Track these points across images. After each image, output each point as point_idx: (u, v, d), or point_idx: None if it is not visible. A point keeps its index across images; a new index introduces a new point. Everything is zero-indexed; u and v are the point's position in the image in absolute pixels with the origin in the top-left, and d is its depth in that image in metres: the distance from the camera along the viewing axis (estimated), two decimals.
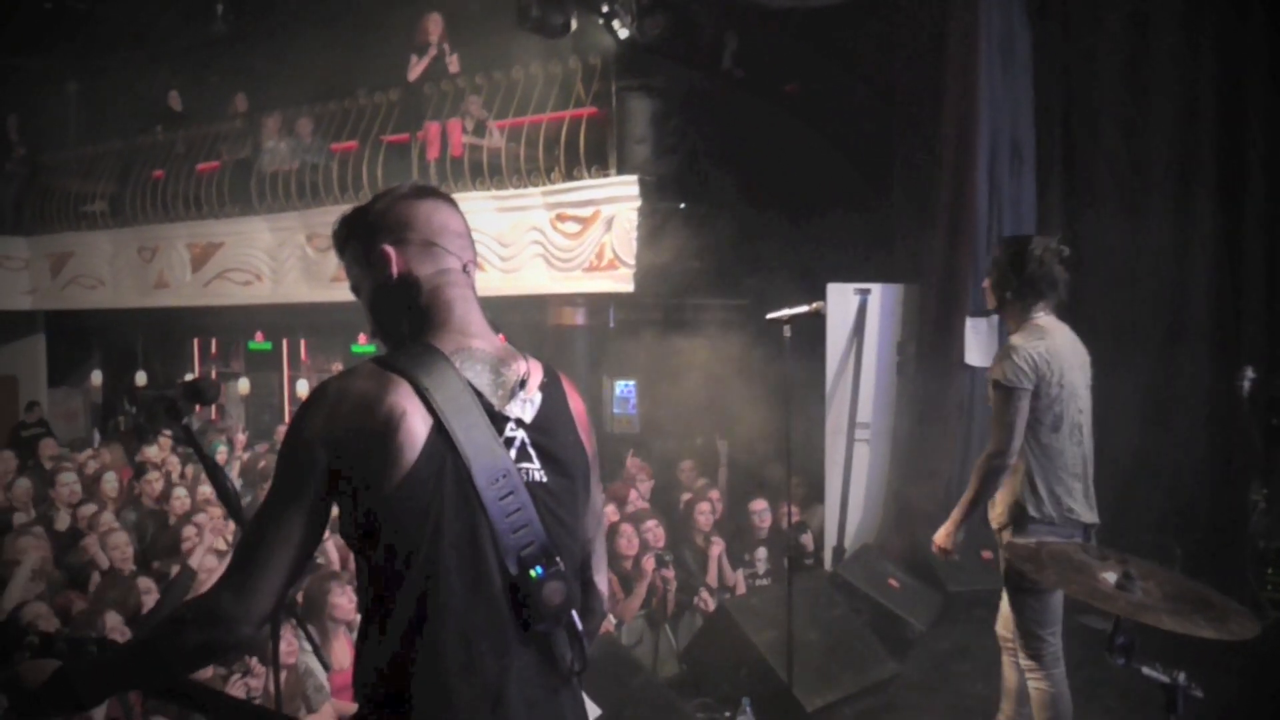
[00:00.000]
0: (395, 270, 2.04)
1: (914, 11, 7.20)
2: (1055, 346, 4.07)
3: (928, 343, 7.01)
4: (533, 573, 1.84)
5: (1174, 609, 2.59)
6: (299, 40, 10.85)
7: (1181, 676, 2.51)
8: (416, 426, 1.82)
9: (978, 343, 6.76)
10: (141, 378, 12.76)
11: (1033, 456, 4.04)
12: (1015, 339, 4.12)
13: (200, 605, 1.84)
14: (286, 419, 12.64)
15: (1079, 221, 6.77)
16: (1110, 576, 2.75)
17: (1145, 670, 2.54)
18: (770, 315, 5.15)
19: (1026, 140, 6.98)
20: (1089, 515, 4.10)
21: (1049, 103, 7.01)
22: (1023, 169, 6.96)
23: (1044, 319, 4.14)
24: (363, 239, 2.09)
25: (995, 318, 6.57)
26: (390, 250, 2.06)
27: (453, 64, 9.58)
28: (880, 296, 7.24)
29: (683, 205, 8.36)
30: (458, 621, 1.81)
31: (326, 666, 4.82)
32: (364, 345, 11.96)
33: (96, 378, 13.51)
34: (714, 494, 7.25)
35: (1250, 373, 6.13)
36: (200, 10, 11.83)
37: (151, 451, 8.93)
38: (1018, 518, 4.07)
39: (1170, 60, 6.62)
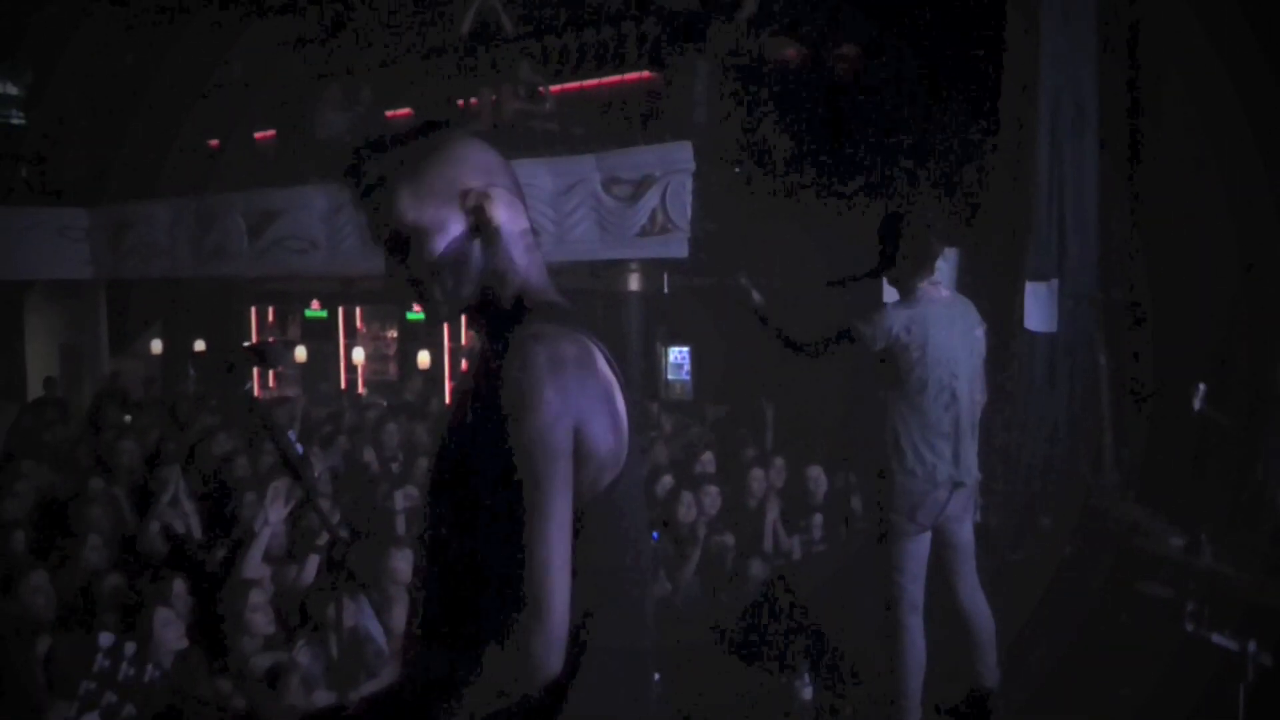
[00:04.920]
0: (496, 219, 1.74)
1: None
2: (922, 314, 4.30)
3: (984, 305, 6.91)
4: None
5: (1245, 576, 2.56)
6: (354, 7, 10.90)
7: (1252, 645, 2.48)
8: (617, 391, 1.70)
9: (1037, 306, 6.66)
10: (200, 346, 12.95)
11: (899, 416, 4.31)
12: (889, 304, 4.43)
13: (520, 668, 1.56)
14: (343, 385, 12.78)
15: (1142, 183, 6.66)
16: (1177, 541, 2.71)
17: (1215, 638, 2.51)
18: (830, 280, 5.12)
19: (1090, 100, 6.85)
20: (957, 474, 4.32)
21: (1114, 62, 6.87)
22: (1085, 129, 6.83)
23: (926, 288, 4.37)
24: (432, 177, 1.73)
25: (1055, 281, 6.51)
26: (486, 194, 1.74)
27: (508, 25, 9.56)
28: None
29: (738, 169, 8.30)
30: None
31: (386, 632, 4.88)
32: (419, 313, 12.01)
33: (156, 346, 13.71)
34: (776, 460, 7.22)
35: None
36: None
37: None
38: (885, 471, 4.34)
39: (1244, 18, 6.46)
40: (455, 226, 1.74)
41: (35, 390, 13.56)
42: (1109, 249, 6.70)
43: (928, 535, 4.37)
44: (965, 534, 4.48)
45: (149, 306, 13.68)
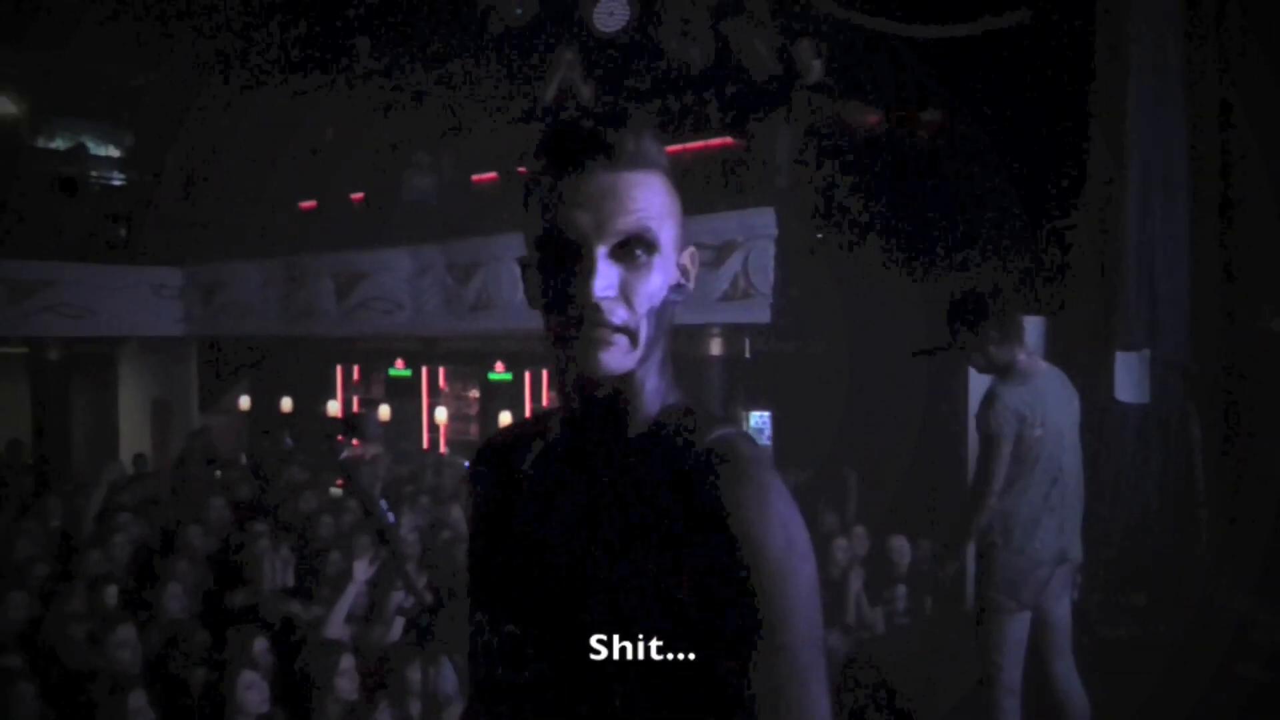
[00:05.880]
0: (693, 281, 1.45)
1: (1058, 40, 7.06)
2: (1035, 390, 4.24)
3: (1075, 378, 6.80)
4: None
5: None
6: (439, 73, 11.14)
7: None
8: None
9: (1128, 376, 6.55)
10: (288, 403, 13.17)
11: (1004, 493, 4.22)
12: (999, 387, 4.28)
13: None
14: (425, 444, 12.90)
15: (1235, 252, 6.53)
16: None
17: None
18: (916, 350, 5.09)
19: (1180, 163, 6.75)
20: (1062, 551, 4.25)
21: (1203, 134, 6.77)
22: (1176, 194, 6.73)
23: (1024, 361, 4.31)
24: (677, 195, 1.41)
25: (1146, 351, 6.39)
26: (691, 249, 1.44)
27: (586, 95, 9.71)
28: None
29: (820, 235, 8.30)
30: None
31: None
32: (501, 373, 12.12)
33: (244, 403, 13.97)
34: (858, 529, 7.13)
35: None
36: (344, 45, 12.24)
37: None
38: (987, 548, 4.26)
39: None
40: (674, 269, 1.40)
41: (128, 445, 13.90)
42: (1200, 317, 6.57)
43: (1028, 615, 4.27)
44: (1063, 612, 4.38)
45: (238, 364, 13.96)
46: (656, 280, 1.35)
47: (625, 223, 1.32)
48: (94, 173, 14.15)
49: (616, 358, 1.33)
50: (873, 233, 8.15)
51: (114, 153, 15.61)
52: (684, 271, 1.41)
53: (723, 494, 1.28)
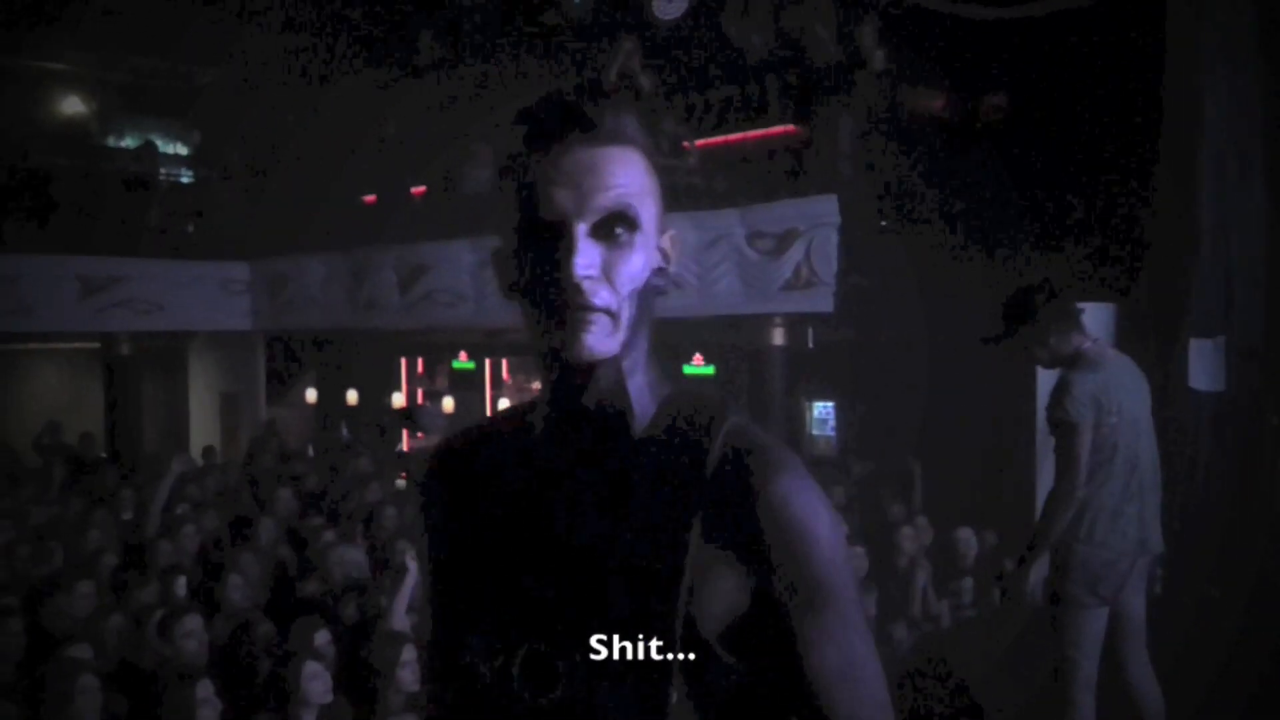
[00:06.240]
0: (673, 266, 1.39)
1: (1127, 20, 6.90)
2: (1107, 377, 4.12)
3: (1147, 364, 6.65)
4: None
5: None
6: (501, 66, 11.17)
7: None
8: None
9: (1202, 364, 6.38)
10: (353, 396, 13.30)
11: (1086, 483, 4.10)
12: (1070, 374, 4.16)
13: None
14: None
15: None
16: None
17: None
18: (983, 337, 4.99)
19: (1255, 144, 6.56)
20: (1142, 545, 4.15)
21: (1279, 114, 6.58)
22: (1251, 176, 6.54)
23: (1089, 348, 4.20)
24: (647, 150, 1.34)
25: (1221, 337, 6.23)
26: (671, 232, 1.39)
27: (645, 84, 9.66)
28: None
29: (884, 223, 8.20)
30: None
31: None
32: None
33: (311, 395, 14.14)
34: (920, 519, 7.04)
35: None
36: (407, 40, 12.32)
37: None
38: (1065, 542, 4.13)
39: None
40: (655, 251, 1.35)
41: (198, 437, 14.13)
42: (1277, 302, 6.38)
43: (1106, 610, 4.17)
44: (1138, 607, 4.27)
45: (305, 357, 14.13)
46: (638, 260, 1.30)
47: (605, 199, 1.27)
48: (162, 170, 14.40)
49: (600, 339, 1.28)
50: (938, 219, 8.04)
51: (182, 150, 15.86)
52: (664, 255, 1.36)
53: (768, 487, 1.28)
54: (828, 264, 7.98)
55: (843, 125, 8.31)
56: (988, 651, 5.04)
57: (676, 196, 8.94)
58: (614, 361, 1.31)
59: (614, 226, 1.28)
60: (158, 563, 6.26)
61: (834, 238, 7.96)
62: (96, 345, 13.33)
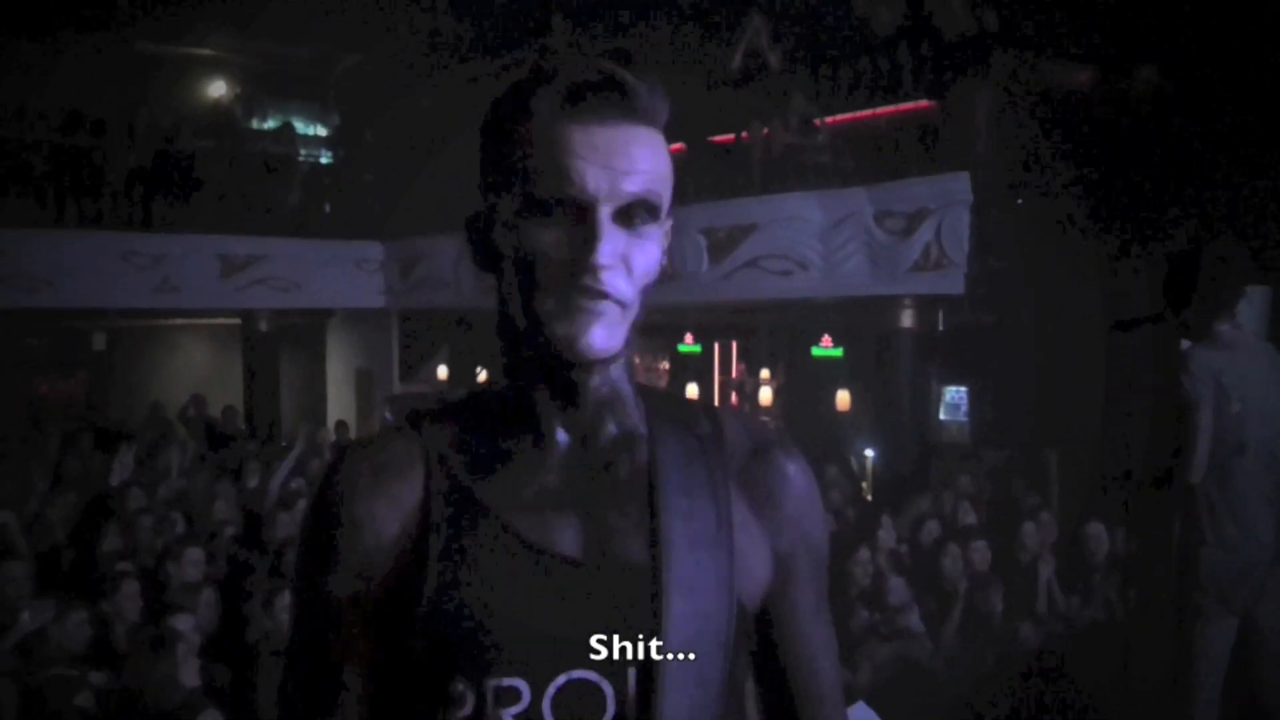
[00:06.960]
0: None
1: None
2: (1235, 360, 3.78)
3: None
4: None
5: None
6: (632, 42, 11.10)
7: None
8: None
9: None
10: (483, 374, 13.43)
11: (1211, 481, 3.78)
12: (1193, 348, 3.84)
13: None
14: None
15: None
16: None
17: None
18: (1117, 322, 4.71)
19: None
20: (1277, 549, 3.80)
21: None
22: None
23: (1227, 332, 3.84)
24: (664, 133, 1.20)
25: None
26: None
27: (774, 60, 9.48)
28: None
29: (1019, 202, 7.87)
30: None
31: None
32: (690, 345, 12.02)
33: (442, 372, 14.33)
34: (1044, 515, 6.72)
35: None
36: (540, 21, 12.35)
37: None
38: (1187, 545, 3.86)
39: None
40: (662, 241, 1.20)
41: (334, 413, 14.46)
42: None
43: (1235, 621, 3.84)
44: (1274, 619, 3.92)
45: (436, 335, 14.33)
46: (654, 253, 1.17)
47: (635, 183, 1.13)
48: (302, 151, 14.74)
49: (610, 333, 1.14)
50: (1078, 198, 7.67)
51: (321, 132, 16.22)
52: (665, 250, 1.22)
53: (779, 460, 1.28)
54: (959, 244, 7.71)
55: (978, 100, 8.00)
56: (1114, 653, 4.77)
57: (804, 175, 8.75)
58: (618, 359, 1.18)
59: (637, 214, 1.15)
60: (275, 533, 6.36)
61: (966, 217, 7.69)
62: (237, 322, 13.74)
